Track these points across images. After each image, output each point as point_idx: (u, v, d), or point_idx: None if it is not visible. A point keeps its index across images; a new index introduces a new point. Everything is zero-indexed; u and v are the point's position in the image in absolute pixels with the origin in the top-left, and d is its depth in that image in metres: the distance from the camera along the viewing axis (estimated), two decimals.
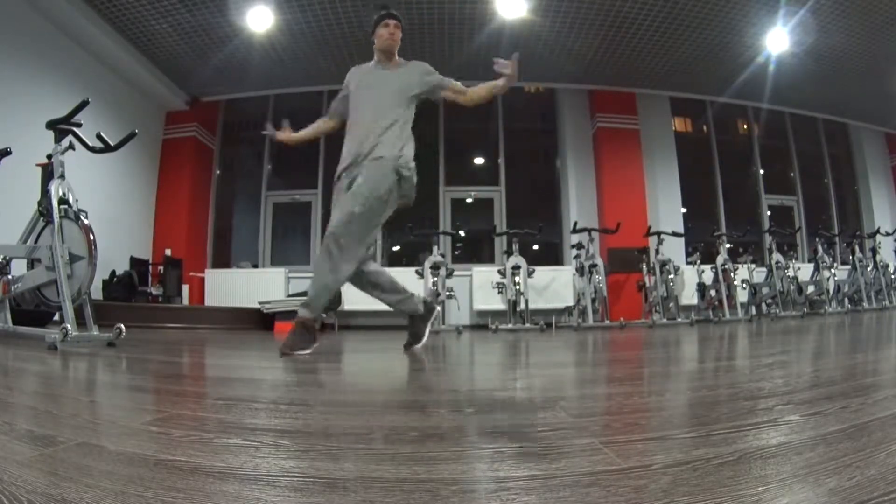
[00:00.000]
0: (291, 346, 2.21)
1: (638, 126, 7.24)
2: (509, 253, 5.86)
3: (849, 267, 6.69)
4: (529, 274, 5.70)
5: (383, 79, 2.49)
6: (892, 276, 6.74)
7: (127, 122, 5.54)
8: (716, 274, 5.96)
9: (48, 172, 2.68)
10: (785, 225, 7.45)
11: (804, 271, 6.49)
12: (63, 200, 2.59)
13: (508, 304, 5.67)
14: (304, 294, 5.91)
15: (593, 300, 5.60)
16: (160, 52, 6.04)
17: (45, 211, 2.63)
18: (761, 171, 8.10)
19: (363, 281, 2.47)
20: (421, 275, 5.50)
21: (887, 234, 6.96)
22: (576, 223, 6.09)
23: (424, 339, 2.60)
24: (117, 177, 6.12)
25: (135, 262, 5.99)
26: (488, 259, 7.39)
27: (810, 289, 6.44)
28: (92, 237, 2.54)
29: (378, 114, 2.40)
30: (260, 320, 5.59)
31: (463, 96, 2.49)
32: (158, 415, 0.97)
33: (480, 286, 6.42)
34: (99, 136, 2.77)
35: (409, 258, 7.48)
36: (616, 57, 6.44)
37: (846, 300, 6.54)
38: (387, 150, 2.33)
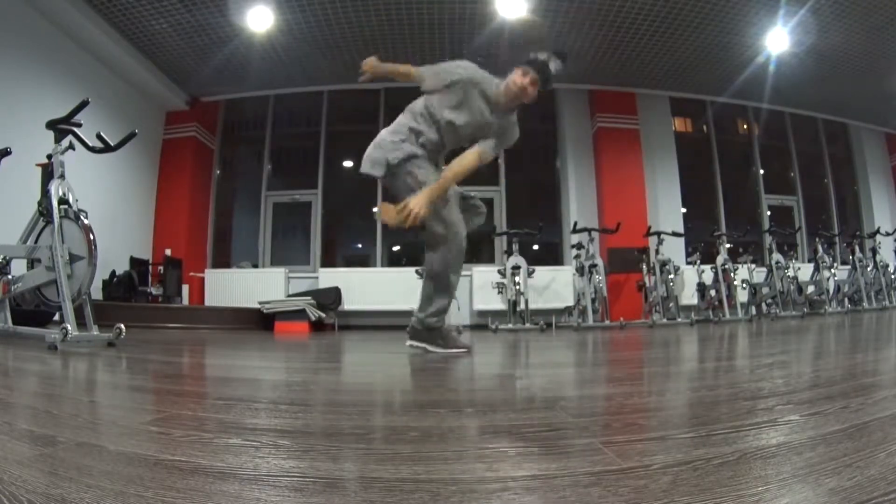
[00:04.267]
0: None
1: (638, 126, 7.24)
2: (509, 253, 5.86)
3: (849, 267, 6.69)
4: (529, 274, 5.70)
5: (489, 123, 2.41)
6: (892, 276, 6.74)
7: (127, 122, 5.55)
8: (716, 274, 5.96)
9: (48, 172, 2.68)
10: (785, 225, 7.45)
11: (804, 271, 6.49)
12: (63, 200, 2.59)
13: (508, 304, 5.67)
14: (303, 294, 5.86)
15: (593, 300, 5.59)
16: (160, 52, 6.04)
17: (45, 211, 2.63)
18: (761, 171, 8.10)
19: None
20: (421, 275, 5.50)
21: (887, 234, 6.96)
22: (576, 223, 6.09)
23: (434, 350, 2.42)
24: (117, 177, 6.12)
25: (135, 262, 5.99)
26: (488, 259, 7.39)
27: (810, 289, 6.44)
28: (92, 237, 2.54)
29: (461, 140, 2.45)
30: (260, 320, 5.59)
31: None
32: (158, 415, 0.97)
33: (480, 286, 6.42)
34: (99, 136, 2.77)
35: (409, 258, 7.48)
36: (616, 57, 6.44)
37: (846, 300, 6.53)
38: None
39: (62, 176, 2.64)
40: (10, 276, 2.72)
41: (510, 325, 5.46)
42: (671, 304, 5.92)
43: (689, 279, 6.29)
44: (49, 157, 2.67)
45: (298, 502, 0.52)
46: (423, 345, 2.41)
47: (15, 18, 4.67)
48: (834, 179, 8.42)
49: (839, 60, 6.32)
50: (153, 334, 3.88)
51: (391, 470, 0.61)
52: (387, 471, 0.61)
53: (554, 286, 6.42)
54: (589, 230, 5.93)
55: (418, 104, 2.41)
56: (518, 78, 2.32)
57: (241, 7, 5.36)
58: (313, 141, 7.52)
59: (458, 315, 6.08)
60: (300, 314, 5.43)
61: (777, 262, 6.15)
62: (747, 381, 1.35)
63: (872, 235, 6.86)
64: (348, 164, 7.73)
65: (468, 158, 2.39)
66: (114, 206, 6.00)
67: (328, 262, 7.34)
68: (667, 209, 7.17)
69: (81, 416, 0.95)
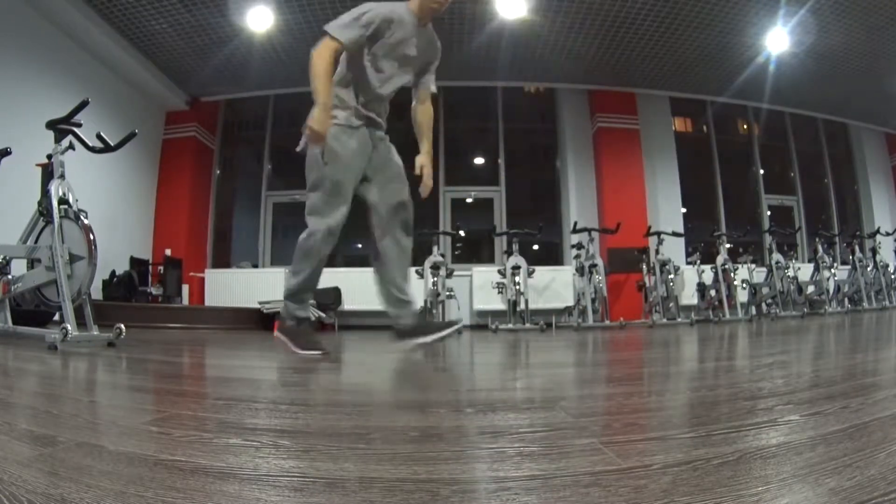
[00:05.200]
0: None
1: (638, 126, 7.24)
2: (509, 253, 5.86)
3: (849, 267, 6.69)
4: (529, 274, 5.70)
5: (419, 43, 2.15)
6: (892, 276, 6.74)
7: (127, 122, 5.54)
8: (716, 274, 5.96)
9: (48, 172, 2.68)
10: (785, 225, 7.45)
11: (804, 271, 6.49)
12: (63, 200, 2.59)
13: (508, 304, 5.67)
14: None
15: (593, 300, 5.59)
16: (160, 52, 6.04)
17: (45, 211, 2.63)
18: (761, 171, 8.10)
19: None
20: (421, 275, 5.50)
21: (887, 234, 6.96)
22: (576, 223, 6.09)
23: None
24: (117, 177, 6.12)
25: (135, 262, 5.99)
26: (488, 259, 7.39)
27: (810, 289, 6.44)
28: (92, 237, 2.54)
29: (397, 82, 2.18)
30: (260, 320, 5.59)
31: (423, 102, 2.29)
32: (158, 415, 0.97)
33: (480, 286, 6.42)
34: (99, 136, 2.77)
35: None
36: (616, 57, 6.44)
37: (846, 300, 6.53)
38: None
39: (62, 176, 2.63)
40: (10, 276, 2.72)
41: (510, 325, 5.46)
42: (671, 304, 5.92)
43: (689, 279, 6.29)
44: (49, 157, 2.67)
45: (298, 502, 0.52)
46: (284, 339, 2.18)
47: (15, 18, 4.67)
48: (834, 179, 8.42)
49: (839, 60, 6.32)
50: (153, 334, 3.88)
51: (391, 470, 0.61)
52: (387, 471, 0.61)
53: (554, 286, 6.42)
54: (589, 230, 5.93)
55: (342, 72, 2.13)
56: None
57: (241, 7, 5.36)
58: None
59: (457, 315, 6.09)
60: None
61: (777, 262, 6.15)
62: (747, 381, 1.35)
63: (872, 235, 6.86)
64: None
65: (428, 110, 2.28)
66: (114, 206, 6.00)
67: (328, 262, 7.34)
68: (667, 209, 7.17)
69: (81, 416, 0.95)
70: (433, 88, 2.32)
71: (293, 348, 2.15)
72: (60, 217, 2.55)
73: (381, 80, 2.13)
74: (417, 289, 5.59)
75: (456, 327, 2.16)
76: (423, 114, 2.32)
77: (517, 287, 5.59)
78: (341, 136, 2.09)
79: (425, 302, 5.44)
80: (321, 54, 2.01)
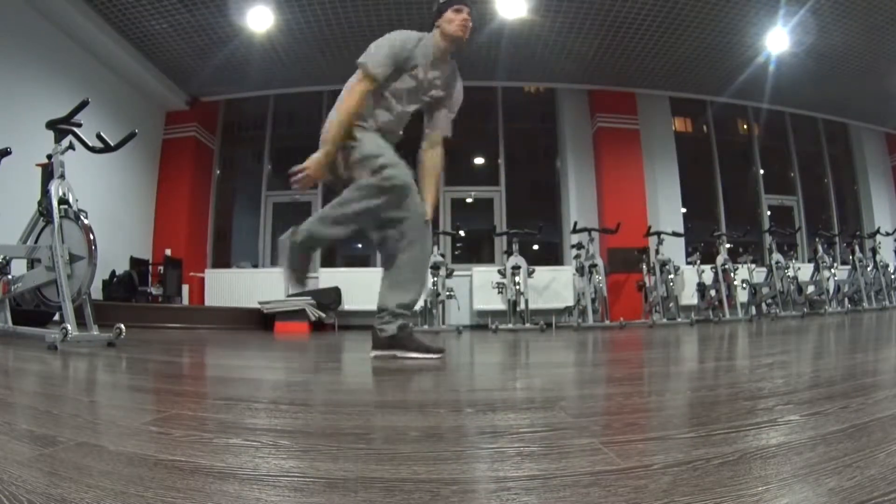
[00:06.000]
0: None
1: (638, 126, 7.24)
2: (509, 253, 5.86)
3: (849, 267, 6.69)
4: (529, 274, 5.70)
5: (441, 76, 2.15)
6: (892, 276, 6.74)
7: (127, 122, 5.54)
8: (716, 274, 5.96)
9: (48, 172, 2.68)
10: (785, 225, 7.45)
11: (804, 271, 6.49)
12: (63, 200, 2.59)
13: (508, 304, 5.67)
14: (303, 294, 5.88)
15: (593, 300, 5.59)
16: (160, 52, 6.04)
17: (45, 211, 2.63)
18: (761, 171, 8.10)
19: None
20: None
21: (887, 234, 6.96)
22: (576, 223, 6.09)
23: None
24: (117, 177, 6.12)
25: (135, 262, 5.99)
26: (488, 259, 7.39)
27: (810, 289, 6.44)
28: (92, 237, 2.54)
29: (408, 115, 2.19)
30: (260, 320, 5.59)
31: (434, 146, 2.24)
32: (158, 415, 0.96)
33: (480, 286, 6.42)
34: (99, 136, 2.77)
35: None
36: (616, 57, 6.44)
37: (846, 300, 6.53)
38: None
39: (62, 176, 2.63)
40: (10, 276, 2.72)
41: (510, 325, 5.46)
42: (671, 304, 5.92)
43: (689, 279, 6.29)
44: (49, 157, 2.67)
45: (298, 502, 0.52)
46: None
47: (15, 18, 4.68)
48: (834, 179, 8.42)
49: (839, 60, 6.32)
50: (153, 334, 3.88)
51: (391, 470, 0.61)
52: (387, 471, 0.61)
53: (554, 286, 6.42)
54: (589, 230, 5.93)
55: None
56: (455, 17, 2.11)
57: (241, 7, 5.36)
58: (313, 141, 7.50)
59: (457, 315, 6.09)
60: (300, 314, 5.42)
61: (777, 262, 6.15)
62: (747, 381, 1.35)
63: (872, 235, 6.86)
64: None
65: (437, 153, 2.21)
66: (114, 206, 6.00)
67: (328, 262, 7.34)
68: (667, 209, 7.17)
69: (81, 416, 0.95)
70: (448, 132, 2.22)
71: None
72: (60, 217, 2.55)
73: (399, 113, 2.13)
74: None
75: (439, 356, 2.07)
76: (431, 159, 2.22)
77: (517, 287, 5.59)
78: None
79: (425, 302, 5.44)
80: (354, 92, 1.94)
